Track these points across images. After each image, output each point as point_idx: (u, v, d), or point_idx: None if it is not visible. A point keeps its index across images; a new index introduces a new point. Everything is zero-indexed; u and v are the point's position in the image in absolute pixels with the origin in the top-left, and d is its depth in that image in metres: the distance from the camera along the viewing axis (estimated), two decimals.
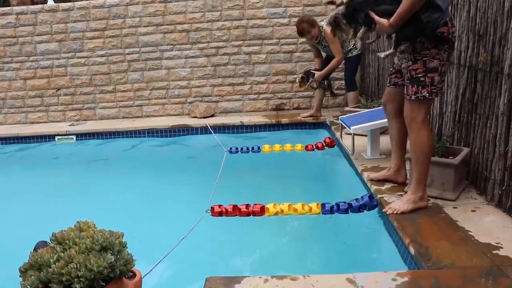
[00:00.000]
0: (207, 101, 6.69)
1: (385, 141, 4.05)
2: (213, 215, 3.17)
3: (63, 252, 1.50)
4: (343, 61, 5.40)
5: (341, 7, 2.62)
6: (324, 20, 5.21)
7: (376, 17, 2.49)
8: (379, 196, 3.00)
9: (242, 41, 6.51)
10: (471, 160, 3.04)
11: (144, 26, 6.53)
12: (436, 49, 2.50)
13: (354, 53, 5.34)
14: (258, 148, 5.01)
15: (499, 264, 2.06)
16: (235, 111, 6.74)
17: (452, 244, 2.27)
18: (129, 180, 4.44)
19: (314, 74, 5.42)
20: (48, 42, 6.69)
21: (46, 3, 6.87)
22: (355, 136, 4.04)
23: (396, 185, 3.15)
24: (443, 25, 2.46)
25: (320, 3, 6.31)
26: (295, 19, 5.99)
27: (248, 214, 3.13)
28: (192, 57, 6.61)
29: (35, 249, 1.61)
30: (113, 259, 1.52)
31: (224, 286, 1.99)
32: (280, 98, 6.68)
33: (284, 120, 5.94)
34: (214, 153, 5.01)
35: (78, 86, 6.83)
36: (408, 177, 3.10)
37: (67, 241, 1.54)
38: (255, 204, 3.17)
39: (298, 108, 6.65)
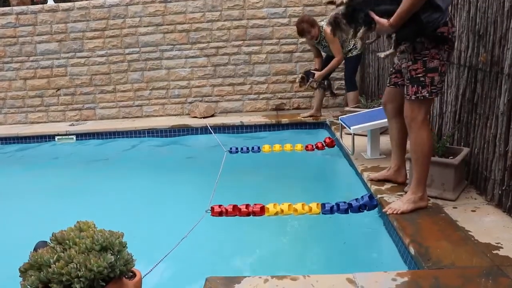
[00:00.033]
0: (207, 101, 6.69)
1: (385, 141, 4.05)
2: (213, 215, 3.17)
3: (63, 252, 1.50)
4: (343, 61, 5.41)
5: (341, 7, 2.62)
6: (324, 20, 5.21)
7: (376, 17, 2.49)
8: (379, 196, 3.00)
9: (242, 41, 6.51)
10: (471, 160, 3.04)
11: (144, 26, 6.54)
12: (436, 49, 2.50)
13: (354, 53, 5.34)
14: (258, 148, 5.01)
15: (499, 264, 2.06)
16: (235, 111, 6.74)
17: (452, 244, 2.27)
18: (129, 180, 4.44)
19: (314, 74, 5.42)
20: (48, 42, 6.69)
21: (46, 3, 6.87)
22: (355, 136, 4.04)
23: (396, 185, 3.15)
24: (443, 25, 2.46)
25: (320, 3, 6.31)
26: (295, 19, 5.98)
27: (248, 214, 3.13)
28: (192, 57, 6.61)
29: (35, 249, 1.61)
30: (113, 259, 1.52)
31: (224, 286, 1.99)
32: (280, 98, 6.68)
33: (284, 120, 5.93)
34: (214, 153, 5.01)
35: (78, 86, 6.83)
36: (408, 177, 3.10)
37: (67, 241, 1.54)
38: (255, 204, 3.17)
39: (298, 108, 6.65)
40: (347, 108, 5.16)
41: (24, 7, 6.66)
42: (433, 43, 2.48)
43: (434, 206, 2.74)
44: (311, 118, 5.87)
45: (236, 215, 3.14)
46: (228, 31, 6.48)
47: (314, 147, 4.85)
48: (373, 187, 3.17)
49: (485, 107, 2.81)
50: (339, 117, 4.52)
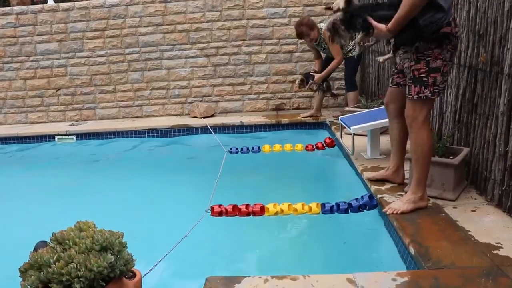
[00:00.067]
0: (207, 101, 6.69)
1: (385, 141, 4.05)
2: (213, 215, 3.17)
3: (63, 252, 1.50)
4: (343, 61, 5.40)
5: (339, 13, 2.63)
6: (324, 22, 5.22)
7: (374, 23, 2.50)
8: (379, 196, 3.00)
9: (242, 41, 6.51)
10: (471, 160, 3.04)
11: (144, 26, 6.54)
12: (439, 49, 2.50)
13: (354, 53, 5.33)
14: (258, 148, 5.01)
15: (499, 264, 2.06)
16: (235, 111, 6.74)
17: (452, 244, 2.27)
18: (129, 180, 4.44)
19: (313, 76, 5.42)
20: (48, 42, 6.69)
21: (46, 3, 6.88)
22: (355, 136, 4.04)
23: (396, 185, 3.15)
24: (447, 25, 2.46)
25: (320, 3, 6.31)
26: (295, 19, 5.99)
27: (248, 214, 3.13)
28: (192, 57, 6.61)
29: (35, 249, 1.61)
30: (113, 259, 1.52)
31: (224, 286, 1.99)
32: (280, 98, 6.68)
33: (284, 120, 5.93)
34: (214, 153, 5.01)
35: (78, 86, 6.83)
36: (407, 177, 3.10)
37: (67, 241, 1.54)
38: (255, 204, 3.17)
39: (298, 108, 6.65)
40: (347, 108, 5.16)
41: (24, 7, 6.66)
42: (436, 44, 2.48)
43: (434, 206, 2.74)
44: (311, 118, 5.87)
45: (236, 215, 3.14)
46: (228, 31, 6.48)
47: (314, 147, 4.85)
48: (373, 187, 3.17)
49: (485, 107, 2.81)
50: (339, 117, 4.52)
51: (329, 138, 4.87)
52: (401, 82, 2.86)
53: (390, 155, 3.21)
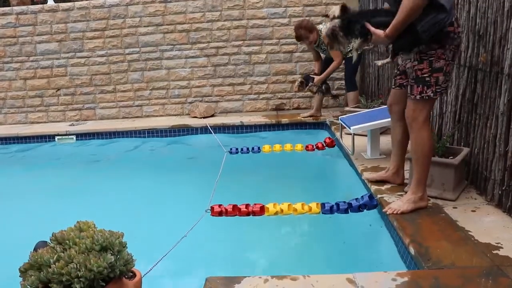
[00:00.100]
0: (207, 101, 6.69)
1: (385, 141, 4.05)
2: (213, 215, 3.17)
3: (63, 252, 1.50)
4: (343, 61, 5.40)
5: (337, 20, 2.65)
6: (323, 24, 5.22)
7: (372, 28, 2.52)
8: (379, 196, 3.00)
9: (242, 41, 6.51)
10: (471, 160, 3.04)
11: (144, 26, 6.54)
12: (442, 49, 2.50)
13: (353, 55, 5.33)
14: (258, 148, 5.01)
15: (499, 264, 2.06)
16: (235, 111, 6.74)
17: (452, 244, 2.27)
18: (129, 180, 4.44)
19: (313, 78, 5.41)
20: (48, 42, 6.69)
21: (46, 3, 6.88)
22: (355, 136, 4.04)
23: (396, 185, 3.15)
24: (449, 25, 2.46)
25: (320, 3, 6.31)
26: (295, 19, 6.00)
27: (248, 214, 3.13)
28: (192, 57, 6.61)
29: (35, 249, 1.61)
30: (113, 259, 1.52)
31: (224, 286, 1.99)
32: (280, 98, 6.68)
33: (284, 120, 5.93)
34: (214, 153, 5.01)
35: (78, 86, 6.83)
36: (407, 177, 3.09)
37: (67, 241, 1.54)
38: (255, 204, 3.18)
39: (298, 108, 6.65)
40: (347, 108, 5.16)
41: (24, 7, 6.66)
42: (439, 43, 2.48)
43: (434, 206, 2.74)
44: (311, 118, 5.87)
45: (236, 215, 3.14)
46: (228, 31, 6.48)
47: (314, 147, 4.85)
48: (373, 187, 3.17)
49: (485, 107, 2.81)
50: (339, 117, 4.52)
51: (329, 138, 4.87)
52: (404, 83, 2.85)
53: (391, 156, 3.21)
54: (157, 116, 6.83)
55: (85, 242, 1.53)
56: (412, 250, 2.26)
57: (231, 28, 6.47)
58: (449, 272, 2.02)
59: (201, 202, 3.35)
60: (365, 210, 3.01)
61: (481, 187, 2.90)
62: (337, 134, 4.71)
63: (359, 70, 6.04)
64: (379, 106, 4.61)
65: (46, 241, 1.62)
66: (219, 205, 3.21)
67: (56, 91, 6.87)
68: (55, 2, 6.84)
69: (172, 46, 6.58)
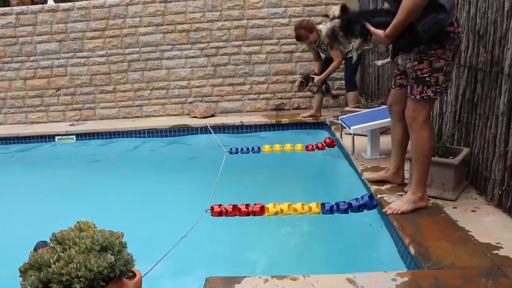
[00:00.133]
0: (207, 101, 6.69)
1: (385, 141, 4.05)
2: (213, 215, 3.17)
3: (63, 252, 1.50)
4: (343, 61, 5.40)
5: (337, 20, 2.65)
6: (323, 24, 5.22)
7: (372, 28, 2.52)
8: (379, 196, 3.00)
9: (242, 41, 6.51)
10: (471, 160, 3.04)
11: (144, 26, 6.54)
12: (442, 49, 2.50)
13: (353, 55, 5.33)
14: (258, 148, 5.01)
15: (499, 264, 2.06)
16: (235, 111, 6.74)
17: (452, 244, 2.27)
18: (129, 180, 4.44)
19: (313, 78, 5.41)
20: (48, 42, 6.69)
21: (46, 3, 6.88)
22: (355, 136, 4.04)
23: (396, 185, 3.15)
24: (449, 25, 2.46)
25: (320, 3, 6.31)
26: (295, 19, 6.00)
27: (248, 214, 3.13)
28: (192, 57, 6.61)
29: (35, 249, 1.61)
30: (113, 259, 1.52)
31: (224, 286, 1.99)
32: (280, 98, 6.68)
33: (284, 120, 5.93)
34: (214, 153, 5.01)
35: (78, 86, 6.83)
36: (407, 177, 3.09)
37: (67, 241, 1.54)
38: (255, 204, 3.18)
39: (298, 108, 6.65)
40: (347, 108, 5.16)
41: (24, 7, 6.66)
42: (439, 43, 2.48)
43: (434, 206, 2.74)
44: (311, 118, 5.87)
45: (236, 215, 3.14)
46: (228, 31, 6.48)
47: (314, 147, 4.85)
48: (373, 187, 3.17)
49: (485, 107, 2.81)
50: (339, 117, 4.52)
51: (329, 138, 4.87)
52: (404, 83, 2.85)
53: (391, 156, 3.21)
54: (157, 116, 6.83)
55: (85, 242, 1.53)
56: (412, 250, 2.26)
57: (231, 28, 6.47)
58: (449, 272, 2.02)
59: (201, 202, 3.35)
60: (365, 210, 3.01)
61: (481, 187, 2.90)
62: (337, 134, 4.71)
63: (359, 70, 6.03)
64: (379, 106, 4.61)
65: (46, 241, 1.62)
66: (219, 205, 3.21)
67: (56, 91, 6.87)
68: (55, 2, 6.84)
69: (172, 46, 6.58)
